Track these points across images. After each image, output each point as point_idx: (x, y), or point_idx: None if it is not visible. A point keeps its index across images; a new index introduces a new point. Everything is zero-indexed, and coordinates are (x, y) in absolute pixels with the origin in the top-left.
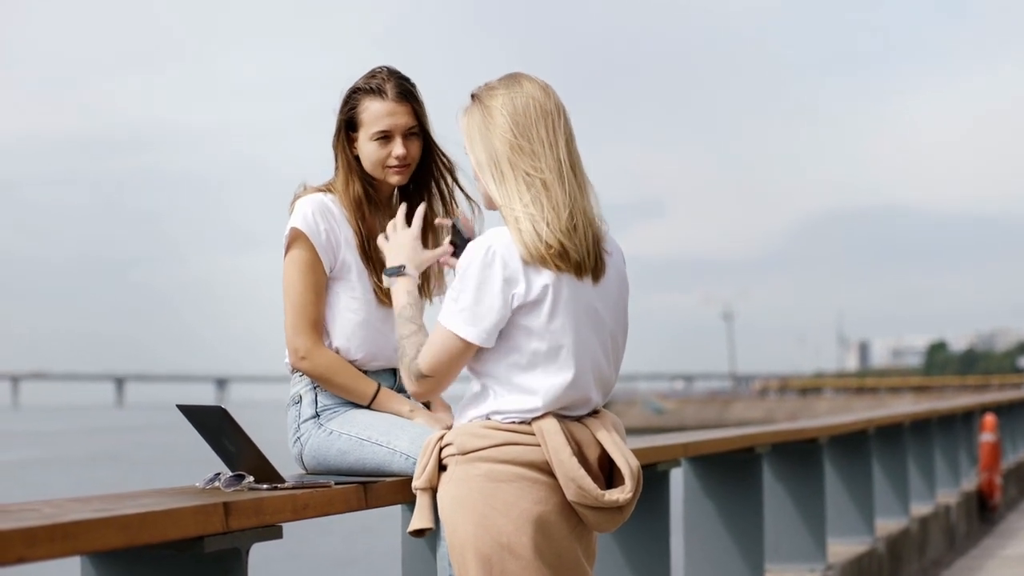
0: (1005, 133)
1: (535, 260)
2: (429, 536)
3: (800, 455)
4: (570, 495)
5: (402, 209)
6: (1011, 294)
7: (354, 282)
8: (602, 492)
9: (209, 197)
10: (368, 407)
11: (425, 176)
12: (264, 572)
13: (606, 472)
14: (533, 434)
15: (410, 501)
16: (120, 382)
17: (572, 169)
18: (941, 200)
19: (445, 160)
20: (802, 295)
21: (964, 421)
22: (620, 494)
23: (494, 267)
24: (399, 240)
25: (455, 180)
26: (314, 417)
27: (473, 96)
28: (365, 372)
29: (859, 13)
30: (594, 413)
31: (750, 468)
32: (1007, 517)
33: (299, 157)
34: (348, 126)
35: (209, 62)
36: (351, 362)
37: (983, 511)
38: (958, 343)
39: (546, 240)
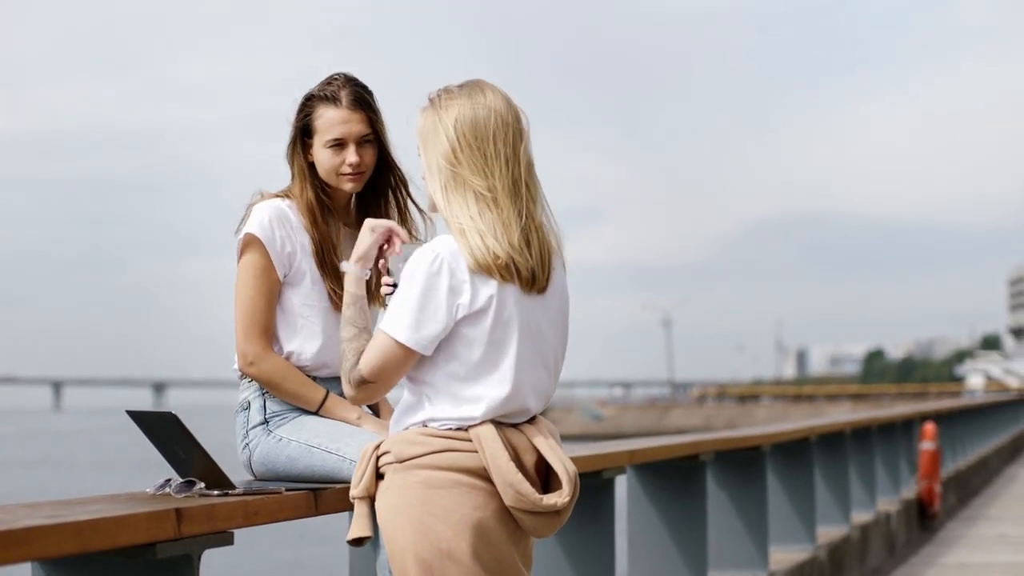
0: (947, 142)
1: (482, 270)
2: (368, 544)
3: (743, 463)
4: (508, 500)
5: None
6: (949, 303)
7: (308, 289)
8: (540, 496)
9: (152, 200)
10: (316, 413)
11: (381, 183)
12: None
13: (543, 477)
14: (470, 440)
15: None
16: (58, 386)
17: (527, 183)
18: (881, 208)
19: (398, 173)
20: (741, 302)
21: (904, 429)
22: (558, 498)
23: (441, 275)
24: (362, 240)
25: (407, 193)
26: (263, 423)
27: (431, 99)
28: (315, 379)
29: (804, 24)
30: (531, 420)
31: (694, 475)
32: (947, 525)
33: (245, 161)
34: (303, 133)
35: (156, 65)
36: (301, 368)
37: (923, 519)
38: (896, 351)
39: (494, 252)
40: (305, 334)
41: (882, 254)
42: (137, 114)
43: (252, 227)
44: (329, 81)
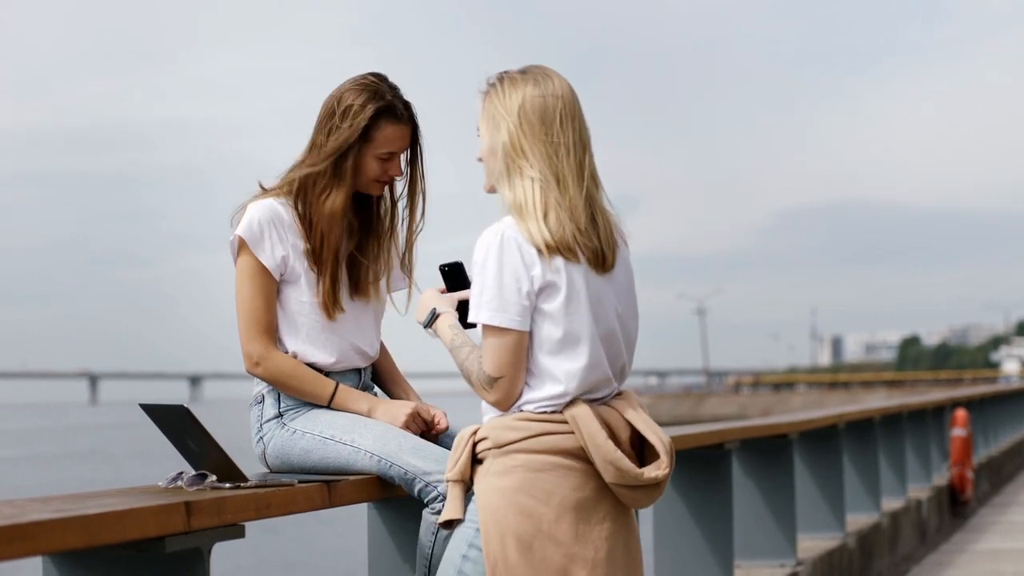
0: (975, 128)
1: (547, 249)
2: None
3: (770, 451)
4: (608, 478)
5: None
6: (984, 290)
7: (303, 288)
8: (640, 471)
9: (186, 193)
10: (328, 407)
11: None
12: (226, 572)
13: (637, 450)
14: (566, 422)
15: (374, 499)
16: (94, 380)
17: (590, 168)
18: (914, 196)
19: (422, 189)
20: (775, 291)
21: (935, 416)
22: (658, 471)
23: (510, 252)
24: (423, 299)
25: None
26: (277, 417)
27: (492, 84)
28: (327, 374)
29: (834, 13)
30: (618, 394)
31: (719, 464)
32: (978, 512)
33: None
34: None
35: (186, 61)
36: (311, 366)
37: (954, 506)
38: (931, 338)
39: (559, 233)
40: (307, 331)
41: (915, 242)
42: (171, 110)
43: (240, 229)
44: (377, 90)
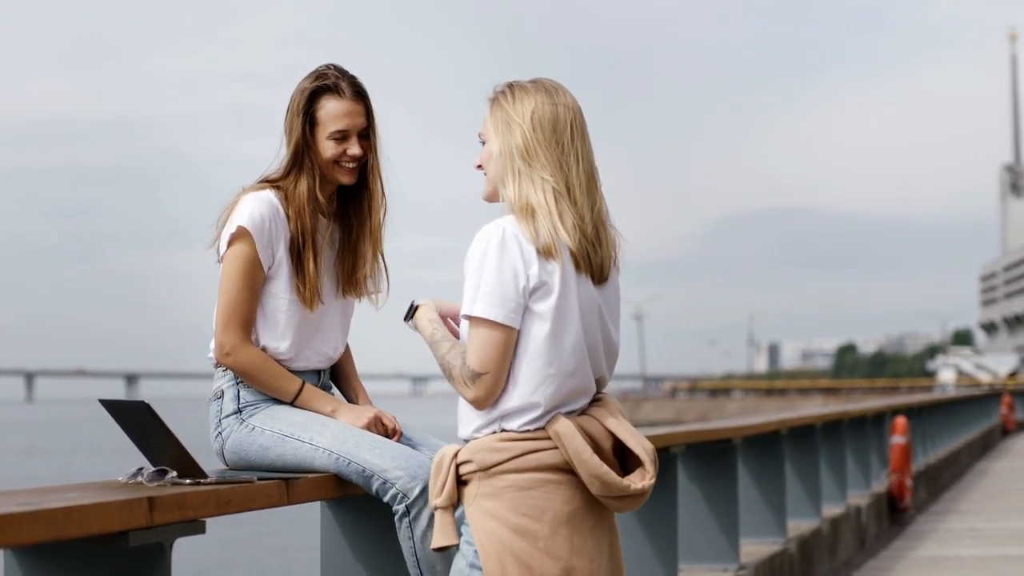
0: (918, 140)
1: (550, 252)
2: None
3: (714, 455)
4: (595, 491)
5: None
6: (920, 299)
7: (285, 282)
8: (628, 484)
9: (129, 192)
10: (292, 404)
11: (363, 176)
12: (186, 567)
13: (619, 457)
14: (549, 438)
15: (332, 497)
16: (30, 377)
17: (597, 180)
18: (853, 205)
19: (379, 165)
20: (713, 297)
21: (875, 423)
22: (644, 480)
23: (510, 249)
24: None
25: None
26: (236, 413)
27: (501, 92)
28: (292, 371)
29: (779, 21)
30: (595, 400)
31: (665, 468)
32: (917, 519)
33: (225, 154)
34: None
35: (134, 57)
36: (278, 360)
37: (893, 513)
38: (867, 346)
39: (563, 238)
40: (282, 327)
41: (853, 250)
42: (114, 106)
43: (243, 219)
44: (323, 73)
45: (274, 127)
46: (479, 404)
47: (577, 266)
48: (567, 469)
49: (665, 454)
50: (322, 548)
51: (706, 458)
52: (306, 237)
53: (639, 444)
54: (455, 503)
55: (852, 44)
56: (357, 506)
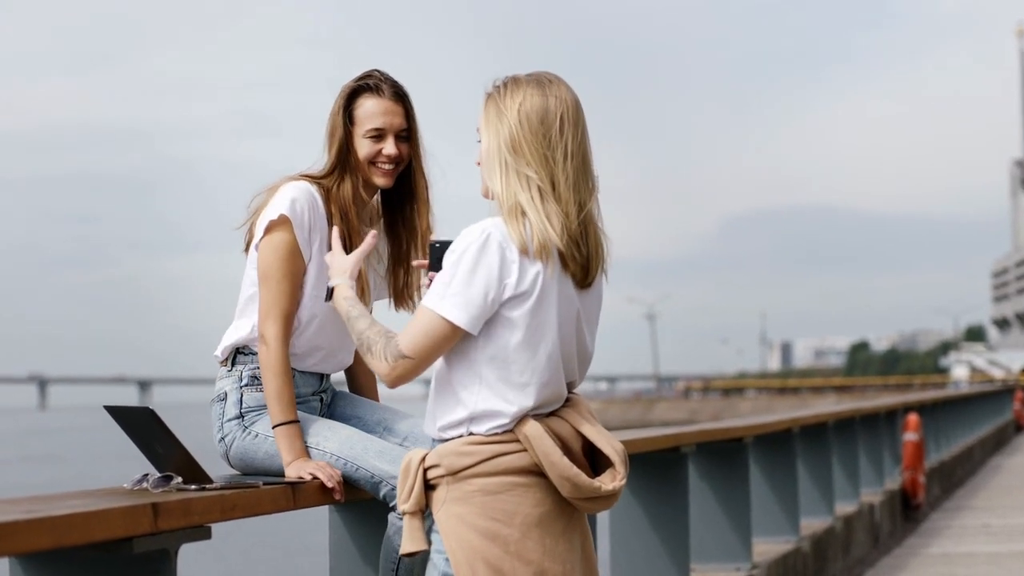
0: (929, 135)
1: (531, 253)
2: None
3: (725, 454)
4: (566, 493)
5: (335, 231)
6: (933, 295)
7: (313, 278)
8: (598, 485)
9: (140, 198)
10: (274, 426)
11: (411, 184)
12: (193, 573)
13: (589, 458)
14: (518, 441)
15: (338, 502)
16: (43, 384)
17: (587, 178)
18: (864, 202)
19: (425, 174)
20: (725, 296)
21: (887, 421)
22: (614, 482)
23: (491, 253)
24: (333, 263)
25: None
26: (238, 418)
27: (496, 87)
28: (300, 371)
29: (789, 19)
30: (567, 401)
31: (675, 467)
32: (930, 516)
33: (234, 159)
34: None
35: (144, 62)
36: (292, 355)
37: (907, 510)
38: (880, 344)
39: (549, 238)
40: (304, 322)
41: (865, 248)
42: (125, 111)
43: (283, 207)
44: (368, 75)
45: (279, 133)
46: (390, 383)
47: (565, 267)
48: (537, 472)
49: (676, 454)
50: (330, 553)
51: (718, 457)
52: (354, 239)
53: (609, 445)
54: (423, 508)
55: (857, 41)
56: (366, 510)
